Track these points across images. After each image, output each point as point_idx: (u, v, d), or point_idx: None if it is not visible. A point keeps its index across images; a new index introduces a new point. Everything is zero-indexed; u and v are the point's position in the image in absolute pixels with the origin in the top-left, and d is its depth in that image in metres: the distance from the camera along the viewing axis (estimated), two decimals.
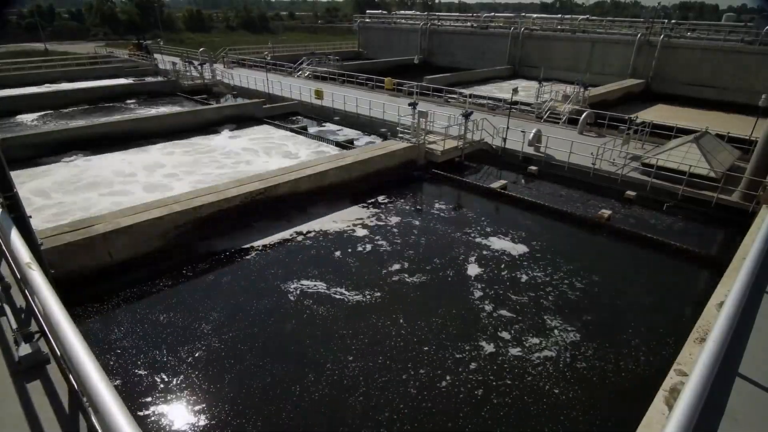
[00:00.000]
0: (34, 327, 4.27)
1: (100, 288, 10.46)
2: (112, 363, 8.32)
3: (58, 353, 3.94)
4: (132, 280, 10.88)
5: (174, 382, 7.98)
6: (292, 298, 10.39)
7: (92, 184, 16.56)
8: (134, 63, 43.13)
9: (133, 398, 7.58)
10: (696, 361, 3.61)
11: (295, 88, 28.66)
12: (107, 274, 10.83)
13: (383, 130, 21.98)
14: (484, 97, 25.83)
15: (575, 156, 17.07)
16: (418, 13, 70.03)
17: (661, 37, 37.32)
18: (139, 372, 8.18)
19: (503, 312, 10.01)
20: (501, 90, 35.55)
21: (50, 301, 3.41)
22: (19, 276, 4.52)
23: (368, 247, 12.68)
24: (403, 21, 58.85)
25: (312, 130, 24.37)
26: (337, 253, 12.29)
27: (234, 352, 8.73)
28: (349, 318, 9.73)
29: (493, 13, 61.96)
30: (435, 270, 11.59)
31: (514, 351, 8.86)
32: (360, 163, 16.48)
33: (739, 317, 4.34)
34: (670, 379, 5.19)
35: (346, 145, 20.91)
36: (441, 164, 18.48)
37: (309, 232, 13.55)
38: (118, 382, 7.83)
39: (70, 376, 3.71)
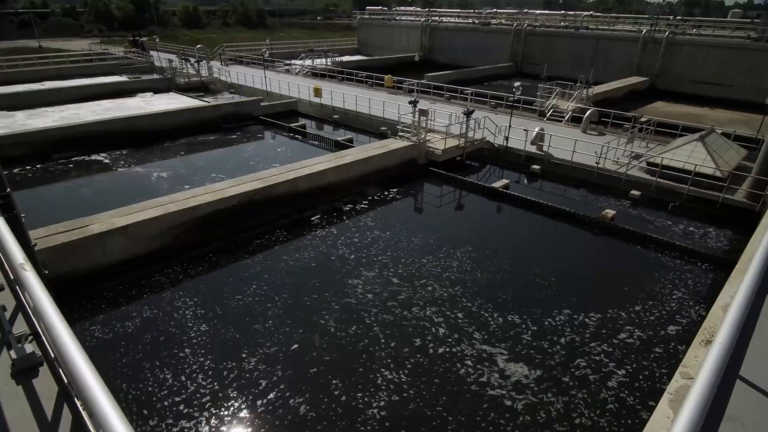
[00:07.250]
0: (27, 329, 4.21)
1: (94, 289, 10.39)
2: (106, 365, 8.23)
3: (52, 355, 3.90)
4: (127, 281, 10.80)
5: (169, 383, 7.92)
6: (290, 297, 10.33)
7: (87, 184, 16.50)
8: (130, 60, 42.96)
9: (127, 400, 7.53)
10: (701, 364, 3.52)
11: (294, 85, 28.54)
12: (102, 274, 10.72)
13: (383, 128, 21.85)
14: (485, 95, 25.68)
15: (578, 155, 16.92)
16: (418, 9, 69.68)
17: (666, 34, 37.07)
18: (134, 374, 8.12)
19: (504, 312, 9.93)
20: (502, 88, 35.34)
21: (44, 302, 3.36)
22: (12, 277, 4.47)
23: (368, 246, 12.61)
24: (403, 18, 58.63)
25: (311, 128, 24.27)
26: (337, 253, 12.22)
27: (230, 352, 8.67)
28: (347, 318, 9.68)
29: (495, 10, 61.75)
30: (435, 270, 11.51)
31: (513, 351, 8.78)
32: (359, 162, 16.31)
33: (745, 319, 4.25)
34: (675, 381, 5.10)
35: (346, 143, 20.69)
36: (442, 163, 18.31)
37: (308, 231, 13.48)
38: (112, 384, 7.77)
39: (64, 378, 3.66)
